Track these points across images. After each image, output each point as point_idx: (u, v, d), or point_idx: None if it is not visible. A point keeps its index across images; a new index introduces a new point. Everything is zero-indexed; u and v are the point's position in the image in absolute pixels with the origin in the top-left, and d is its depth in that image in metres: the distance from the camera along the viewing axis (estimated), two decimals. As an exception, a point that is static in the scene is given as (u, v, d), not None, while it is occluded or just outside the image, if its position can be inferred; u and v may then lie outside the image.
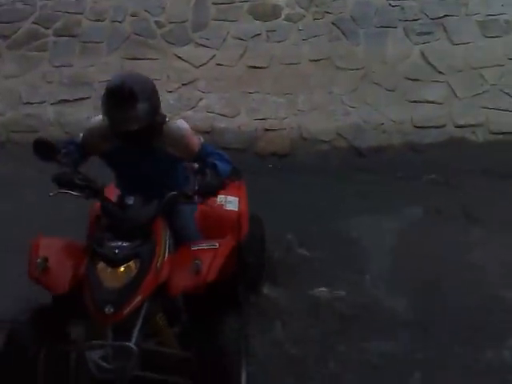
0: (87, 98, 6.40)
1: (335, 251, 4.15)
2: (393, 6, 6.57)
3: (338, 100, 6.15)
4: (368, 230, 4.44)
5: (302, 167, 5.53)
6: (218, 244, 2.81)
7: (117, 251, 2.58)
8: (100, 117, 2.85)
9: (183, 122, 2.97)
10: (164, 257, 2.70)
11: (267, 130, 5.90)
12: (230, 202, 3.37)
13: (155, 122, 2.81)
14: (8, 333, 2.67)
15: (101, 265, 2.58)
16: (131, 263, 2.59)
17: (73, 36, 6.73)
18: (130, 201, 2.74)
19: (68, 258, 2.73)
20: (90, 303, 2.54)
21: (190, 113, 6.05)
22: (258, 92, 6.21)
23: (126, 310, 2.51)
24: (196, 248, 2.79)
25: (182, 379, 2.70)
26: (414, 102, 6.07)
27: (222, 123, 5.98)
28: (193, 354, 2.67)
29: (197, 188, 2.75)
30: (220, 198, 3.26)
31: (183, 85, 6.20)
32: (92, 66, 6.56)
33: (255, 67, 6.39)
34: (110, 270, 2.57)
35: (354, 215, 4.63)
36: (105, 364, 2.52)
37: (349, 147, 5.85)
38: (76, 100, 6.41)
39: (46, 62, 6.62)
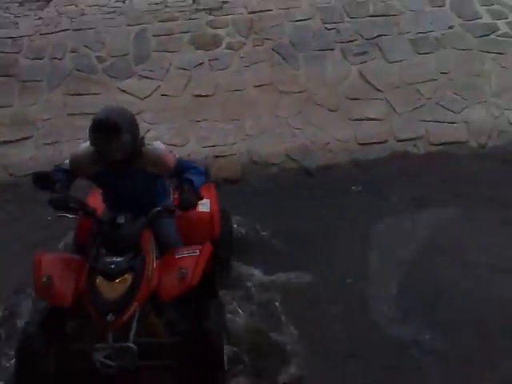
0: (30, 137, 6.29)
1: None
2: (329, 29, 6.82)
3: (284, 123, 6.29)
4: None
5: (255, 190, 5.60)
6: (198, 251, 3.21)
7: (113, 266, 2.97)
8: (86, 144, 3.16)
9: (159, 143, 3.35)
10: (153, 265, 3.10)
11: (217, 156, 5.94)
12: (202, 203, 3.60)
13: (136, 147, 3.15)
14: (21, 335, 3.08)
15: (99, 279, 2.97)
16: (126, 275, 2.98)
17: (11, 76, 6.63)
18: (121, 220, 3.08)
19: (68, 273, 3.10)
20: (92, 313, 2.92)
21: (138, 145, 6.02)
22: (205, 120, 6.28)
23: (126, 316, 2.92)
24: (179, 256, 3.19)
25: (174, 362, 3.09)
26: (356, 120, 6.28)
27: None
28: (181, 339, 3.09)
29: (178, 204, 3.16)
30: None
31: (130, 117, 6.19)
32: (34, 104, 6.47)
33: (201, 95, 6.46)
34: (107, 283, 2.95)
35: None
36: (109, 362, 2.93)
37: (298, 168, 5.96)
38: (18, 140, 6.28)
39: (-15, 104, 6.48)
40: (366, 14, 6.92)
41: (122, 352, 2.94)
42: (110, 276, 2.95)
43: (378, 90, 6.43)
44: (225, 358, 3.17)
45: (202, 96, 6.45)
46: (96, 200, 3.53)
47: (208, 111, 6.32)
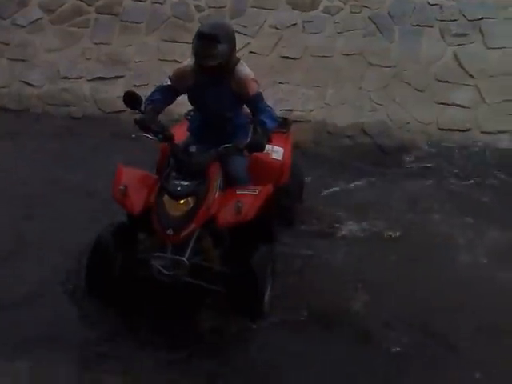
0: (122, 76, 6.60)
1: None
2: (431, 5, 6.53)
3: (366, 96, 6.19)
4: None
5: (323, 160, 5.63)
6: (258, 190, 3.52)
7: (179, 188, 3.36)
8: (187, 61, 3.65)
9: (250, 70, 3.63)
10: (214, 195, 3.44)
11: (292, 121, 5.97)
12: (275, 151, 4.01)
13: (230, 61, 3.53)
14: (96, 240, 3.52)
15: (166, 197, 3.36)
16: (189, 198, 3.35)
17: (114, 15, 6.92)
18: (193, 149, 3.49)
19: (143, 187, 3.52)
20: (156, 225, 3.34)
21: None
22: (287, 83, 6.30)
23: (183, 234, 3.32)
24: (240, 192, 3.50)
25: (219, 287, 3.48)
26: (442, 103, 6.06)
27: (248, 111, 6.11)
28: (229, 270, 3.46)
29: (247, 144, 3.45)
30: (267, 147, 3.68)
31: (215, 70, 6.33)
32: (130, 45, 6.75)
33: (288, 57, 6.47)
34: (172, 202, 3.34)
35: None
36: (164, 270, 3.36)
37: (372, 144, 5.90)
38: (111, 78, 6.62)
39: (87, 39, 6.84)
40: (476, -7, 6.55)
41: (176, 264, 3.35)
42: (176, 196, 3.34)
43: (470, 75, 6.14)
44: (265, 301, 3.52)
45: (289, 58, 6.45)
46: (180, 132, 3.88)
47: (292, 74, 6.33)
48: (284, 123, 4.29)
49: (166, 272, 3.37)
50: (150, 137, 3.51)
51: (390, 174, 5.47)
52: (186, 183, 3.37)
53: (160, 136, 3.51)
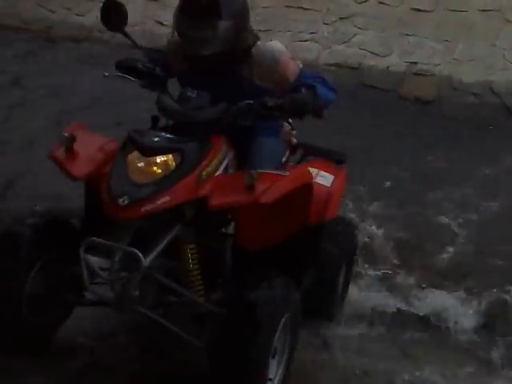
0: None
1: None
2: None
3: (499, 54, 5.82)
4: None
5: (444, 115, 5.40)
6: (288, 172, 2.35)
7: (156, 139, 2.16)
8: None
9: (278, 42, 2.47)
10: (215, 171, 2.21)
11: (416, 74, 5.78)
12: (323, 176, 2.68)
13: (240, 44, 2.30)
14: (4, 232, 2.30)
15: (133, 154, 2.13)
16: (170, 157, 2.10)
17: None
18: (193, 94, 2.23)
19: (98, 149, 2.33)
20: (104, 192, 2.10)
21: (341, 47, 6.10)
22: (415, 35, 6.06)
23: (146, 208, 2.03)
24: (259, 171, 2.19)
25: (195, 341, 2.21)
26: None
27: (371, 61, 5.97)
28: (218, 311, 2.17)
29: (282, 101, 2.20)
30: (312, 170, 2.59)
31: (340, 18, 6.23)
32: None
33: (419, 10, 6.19)
34: (142, 161, 2.12)
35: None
36: (103, 274, 2.11)
37: (500, 104, 5.56)
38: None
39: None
40: None
41: (127, 261, 2.09)
42: (148, 150, 2.12)
43: None
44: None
45: (420, 10, 6.18)
46: None
47: (421, 27, 6.07)
48: (341, 157, 2.98)
49: (106, 276, 2.10)
50: (132, 78, 2.37)
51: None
52: (169, 135, 2.17)
53: (146, 79, 2.35)
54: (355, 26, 6.07)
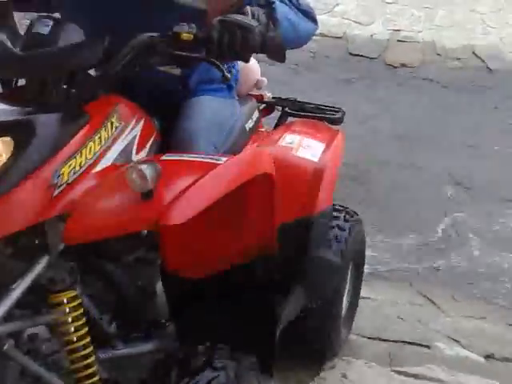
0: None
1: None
2: None
3: (478, 19, 5.96)
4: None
5: (429, 78, 5.51)
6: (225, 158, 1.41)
7: None
8: None
9: None
10: (92, 164, 1.30)
11: (400, 41, 5.85)
12: (307, 146, 1.84)
13: None
14: None
15: None
16: (4, 139, 1.17)
17: None
18: (45, 29, 1.29)
19: None
20: None
21: (324, 17, 6.10)
22: (395, 3, 6.14)
23: None
24: (173, 158, 1.41)
25: None
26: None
27: (354, 30, 6.01)
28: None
29: (206, 30, 1.33)
30: (291, 137, 1.86)
31: (322, -11, 6.25)
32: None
33: (397, -22, 6.28)
34: None
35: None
36: None
37: (482, 67, 5.68)
38: None
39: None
40: None
41: None
42: None
43: None
44: None
45: (399, -22, 6.27)
46: None
47: (401, -6, 6.16)
48: (335, 114, 2.23)
49: None
50: None
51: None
52: (10, 107, 1.26)
53: None
54: (335, -4, 6.11)
